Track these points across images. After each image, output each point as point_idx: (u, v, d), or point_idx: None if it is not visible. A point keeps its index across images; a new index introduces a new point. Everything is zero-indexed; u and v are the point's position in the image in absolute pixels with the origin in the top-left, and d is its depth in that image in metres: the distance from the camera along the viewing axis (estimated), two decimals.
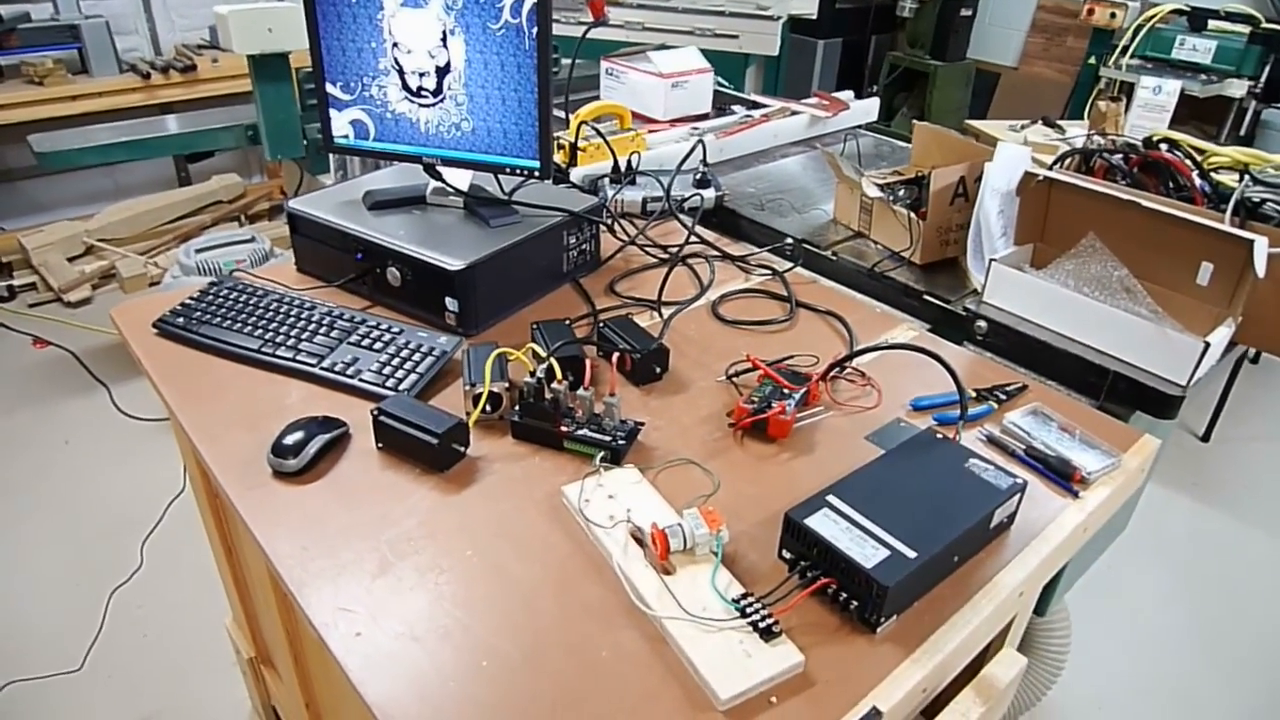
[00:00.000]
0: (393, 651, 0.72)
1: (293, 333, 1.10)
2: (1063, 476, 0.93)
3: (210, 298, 1.18)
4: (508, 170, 1.20)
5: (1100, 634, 1.98)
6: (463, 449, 0.93)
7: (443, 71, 1.15)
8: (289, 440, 0.91)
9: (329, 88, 1.21)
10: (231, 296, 1.18)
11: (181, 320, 1.14)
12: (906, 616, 0.77)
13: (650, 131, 1.81)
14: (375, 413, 0.93)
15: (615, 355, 0.97)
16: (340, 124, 1.24)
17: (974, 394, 1.07)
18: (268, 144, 2.17)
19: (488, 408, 0.97)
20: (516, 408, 0.96)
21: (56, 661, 1.65)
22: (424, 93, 1.18)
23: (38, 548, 2.03)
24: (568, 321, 1.11)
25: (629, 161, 1.54)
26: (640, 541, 0.81)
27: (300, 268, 1.31)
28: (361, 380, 1.03)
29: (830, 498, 0.81)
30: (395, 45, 1.15)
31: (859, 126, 2.11)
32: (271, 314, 1.14)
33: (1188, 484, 2.48)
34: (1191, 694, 1.89)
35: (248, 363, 1.09)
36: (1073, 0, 3.73)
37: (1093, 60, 3.19)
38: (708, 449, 0.97)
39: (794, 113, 1.99)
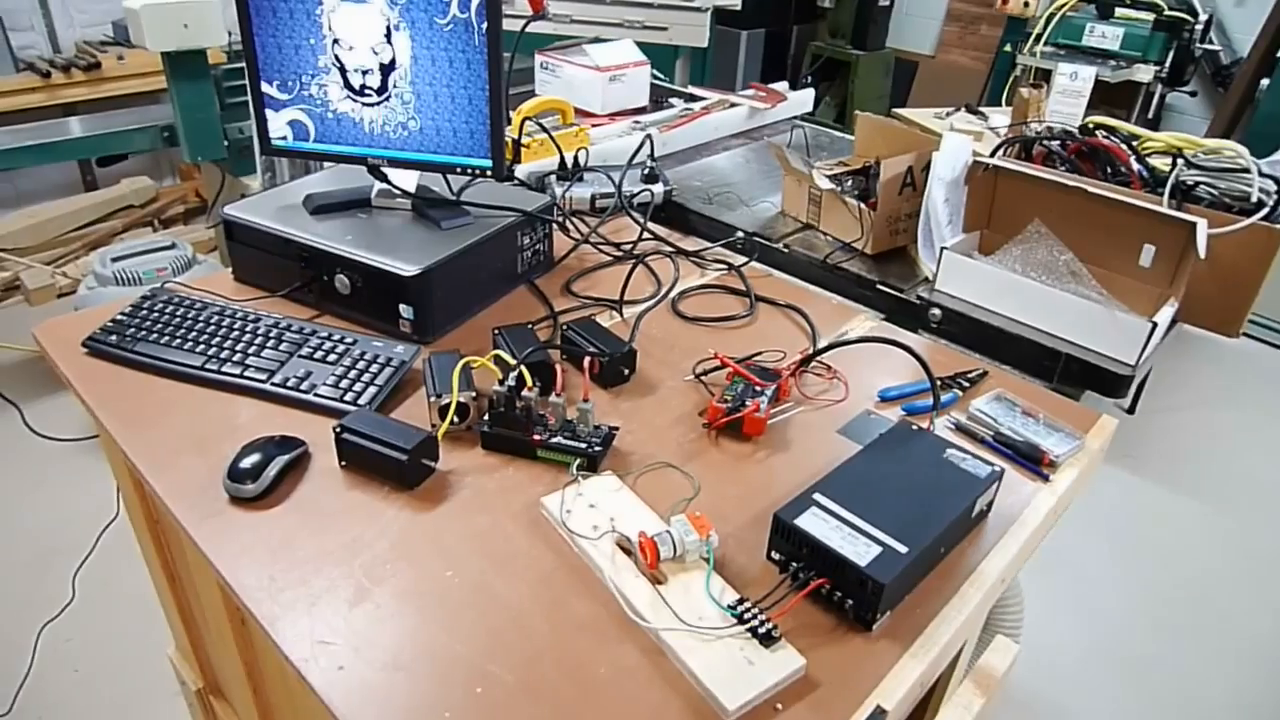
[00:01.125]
0: (380, 684, 0.68)
1: (238, 347, 1.04)
2: (1032, 461, 0.95)
3: (145, 312, 1.10)
4: (458, 170, 1.16)
5: (1048, 606, 2.06)
6: (432, 464, 0.89)
7: (387, 69, 1.10)
8: (245, 463, 0.86)
9: (265, 87, 1.14)
10: (167, 310, 1.11)
11: (114, 338, 1.07)
12: (899, 612, 0.77)
13: (592, 126, 1.78)
14: (338, 429, 0.89)
15: (586, 359, 0.95)
16: (278, 125, 1.17)
17: (938, 382, 1.08)
18: (187, 146, 2.05)
19: (455, 419, 0.94)
20: (485, 417, 0.93)
21: None
22: (367, 91, 1.12)
23: None
24: (529, 325, 1.08)
25: (575, 158, 1.51)
26: (628, 551, 0.79)
27: (239, 277, 1.24)
28: (317, 395, 0.98)
29: (817, 496, 0.80)
30: (336, 42, 1.10)
31: (796, 117, 2.12)
32: (214, 328, 1.07)
33: (1118, 456, 2.59)
34: (1137, 656, 1.98)
35: (192, 381, 1.02)
36: None
37: (1008, 48, 3.29)
38: (684, 451, 0.95)
39: (733, 105, 1.99)
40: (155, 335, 1.06)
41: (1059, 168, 1.35)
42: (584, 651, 0.72)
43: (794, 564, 0.78)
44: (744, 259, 1.38)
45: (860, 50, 4.10)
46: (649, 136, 1.56)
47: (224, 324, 1.08)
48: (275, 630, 0.72)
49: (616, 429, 0.95)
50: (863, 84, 4.15)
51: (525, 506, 0.86)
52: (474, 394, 0.95)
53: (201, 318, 1.09)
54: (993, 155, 1.38)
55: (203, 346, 1.05)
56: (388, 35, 1.08)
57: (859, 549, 0.74)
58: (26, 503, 2.11)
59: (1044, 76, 3.04)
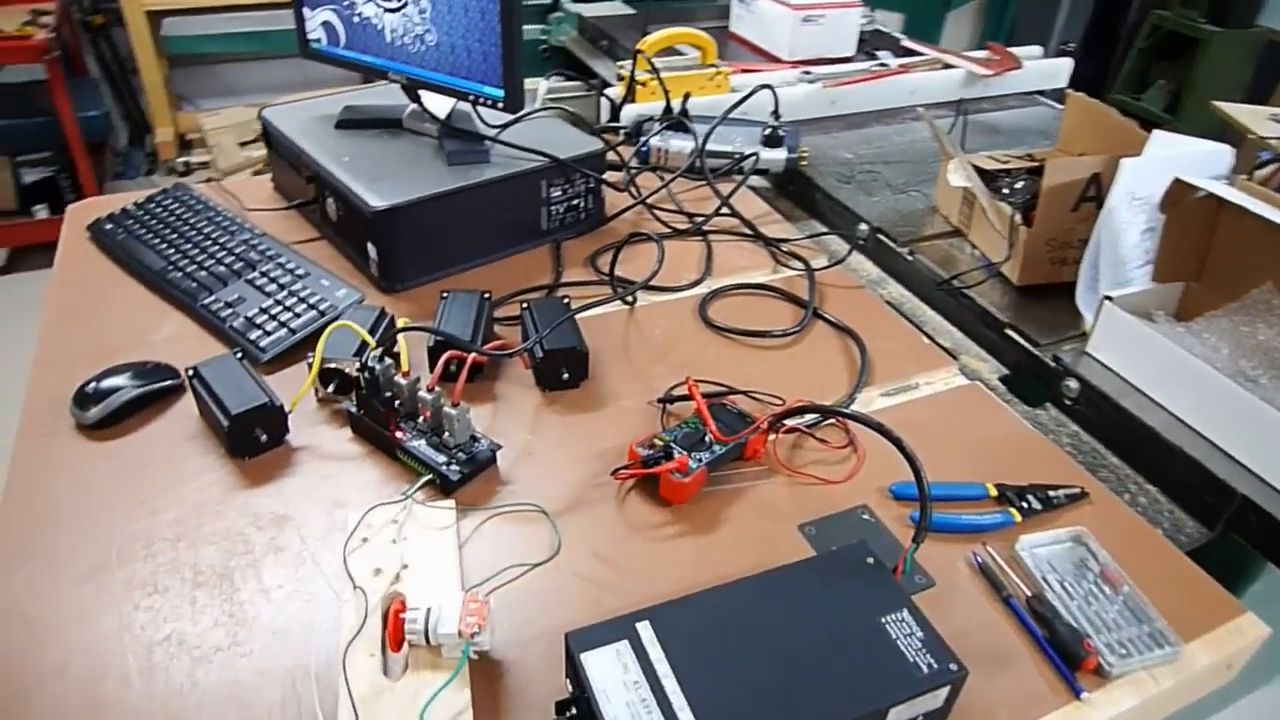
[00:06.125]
0: (35, 687, 0.56)
1: (200, 257, 0.97)
2: (1066, 659, 0.61)
3: (153, 206, 1.07)
4: (472, 98, 0.98)
5: None
6: (265, 438, 0.74)
7: None
8: (96, 386, 0.78)
9: None
10: (171, 208, 1.06)
11: (110, 227, 1.04)
12: None
13: (746, 70, 1.50)
14: (190, 372, 0.77)
15: (471, 355, 0.74)
16: (313, 25, 1.07)
17: (993, 493, 0.74)
18: None
19: (327, 388, 0.79)
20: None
21: None
22: None
23: None
24: (486, 295, 0.89)
25: (683, 104, 1.26)
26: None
27: (275, 184, 1.18)
28: (230, 326, 0.88)
29: (642, 625, 0.55)
30: None
31: (1039, 92, 1.67)
32: (195, 234, 1.01)
33: None
34: None
35: (148, 285, 0.97)
36: None
37: None
38: (577, 497, 0.73)
39: (946, 66, 1.59)
40: (144, 231, 1.02)
41: None
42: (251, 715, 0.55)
43: (573, 709, 0.54)
44: (830, 261, 1.08)
45: (1217, 26, 3.24)
46: (767, 87, 1.26)
47: (206, 231, 1.01)
48: None
49: (498, 448, 0.74)
50: (1212, 68, 3.29)
51: (347, 516, 0.70)
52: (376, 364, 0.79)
53: (193, 221, 1.03)
54: (1234, 179, 0.93)
55: (172, 251, 0.98)
56: None
57: None
58: None
59: None
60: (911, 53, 1.71)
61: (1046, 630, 0.63)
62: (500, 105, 0.96)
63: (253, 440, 0.74)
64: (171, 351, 0.85)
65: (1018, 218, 1.01)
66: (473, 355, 0.74)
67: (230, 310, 0.90)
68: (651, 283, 1.00)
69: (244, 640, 0.60)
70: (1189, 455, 0.80)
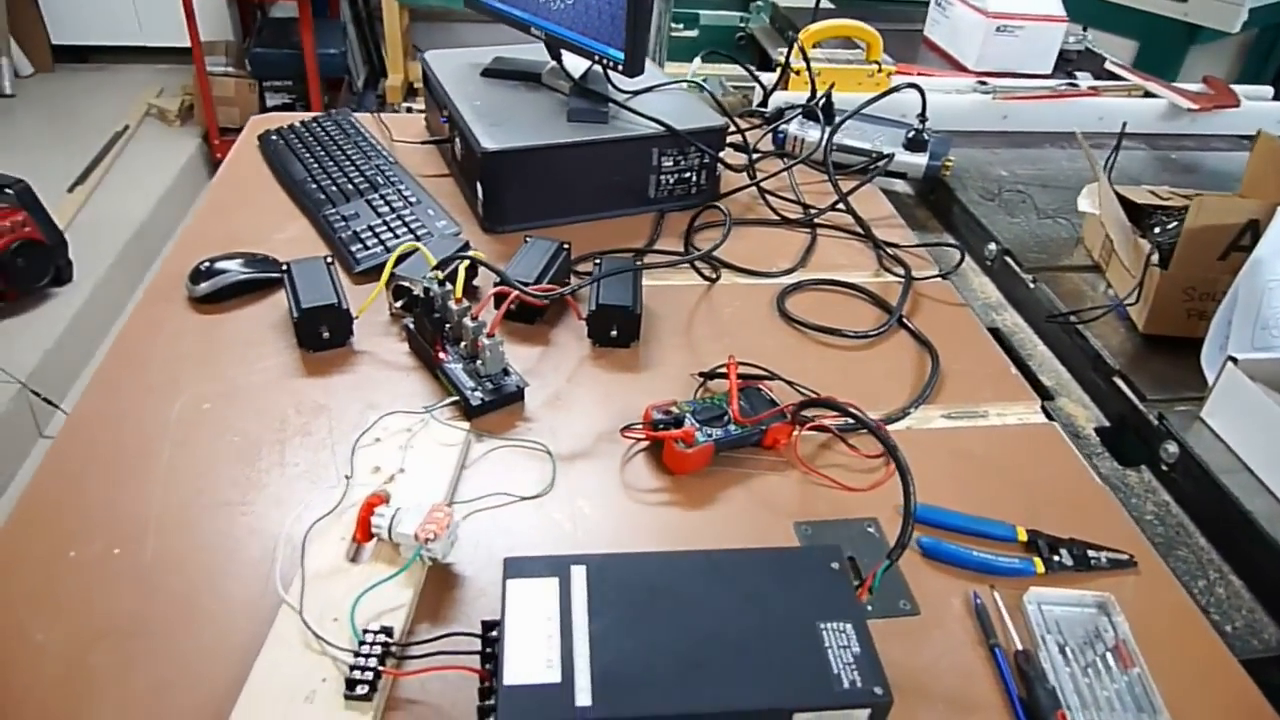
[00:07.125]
0: (78, 481, 0.66)
1: (335, 174, 1.06)
2: None
3: (314, 126, 1.18)
4: (597, 57, 1.01)
5: None
6: (329, 335, 0.81)
7: None
8: (210, 266, 0.88)
9: None
10: (329, 130, 1.17)
11: (275, 138, 1.16)
12: None
13: (920, 73, 1.43)
14: (286, 266, 0.85)
15: (511, 296, 0.77)
16: None
17: (1023, 537, 0.68)
18: None
19: (398, 303, 0.85)
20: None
21: None
22: None
23: None
24: (565, 245, 0.92)
25: (825, 95, 1.22)
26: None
27: (426, 121, 1.27)
28: (339, 237, 0.96)
29: (577, 569, 0.55)
30: None
31: (1247, 138, 1.46)
32: (339, 153, 1.11)
33: None
34: None
35: (288, 191, 1.07)
36: None
37: None
38: (586, 448, 0.74)
39: (1148, 95, 1.44)
40: (299, 145, 1.13)
41: None
42: (237, 583, 0.60)
43: (495, 631, 0.56)
44: (944, 271, 1.01)
45: None
46: (914, 87, 1.19)
47: (349, 152, 1.11)
48: (79, 406, 0.74)
49: (525, 385, 0.77)
50: None
51: (373, 420, 0.75)
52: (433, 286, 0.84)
53: (341, 143, 1.13)
54: None
55: (315, 165, 1.09)
56: None
57: (530, 664, 0.50)
58: None
59: None
60: (1115, 77, 1.56)
61: (1024, 689, 0.57)
62: (620, 67, 0.98)
63: (317, 336, 0.81)
64: (286, 250, 0.94)
65: (1155, 257, 0.90)
66: (515, 293, 0.77)
67: (343, 223, 0.98)
68: (737, 264, 0.99)
69: (250, 501, 0.67)
70: None
